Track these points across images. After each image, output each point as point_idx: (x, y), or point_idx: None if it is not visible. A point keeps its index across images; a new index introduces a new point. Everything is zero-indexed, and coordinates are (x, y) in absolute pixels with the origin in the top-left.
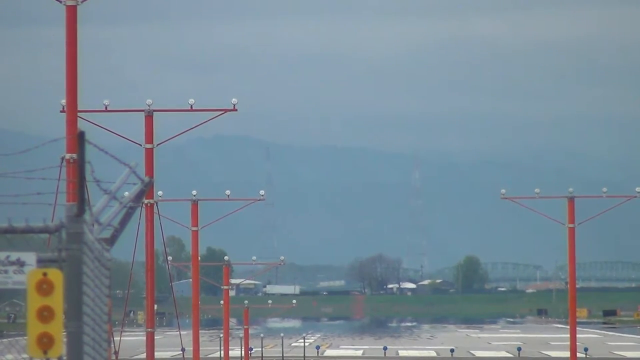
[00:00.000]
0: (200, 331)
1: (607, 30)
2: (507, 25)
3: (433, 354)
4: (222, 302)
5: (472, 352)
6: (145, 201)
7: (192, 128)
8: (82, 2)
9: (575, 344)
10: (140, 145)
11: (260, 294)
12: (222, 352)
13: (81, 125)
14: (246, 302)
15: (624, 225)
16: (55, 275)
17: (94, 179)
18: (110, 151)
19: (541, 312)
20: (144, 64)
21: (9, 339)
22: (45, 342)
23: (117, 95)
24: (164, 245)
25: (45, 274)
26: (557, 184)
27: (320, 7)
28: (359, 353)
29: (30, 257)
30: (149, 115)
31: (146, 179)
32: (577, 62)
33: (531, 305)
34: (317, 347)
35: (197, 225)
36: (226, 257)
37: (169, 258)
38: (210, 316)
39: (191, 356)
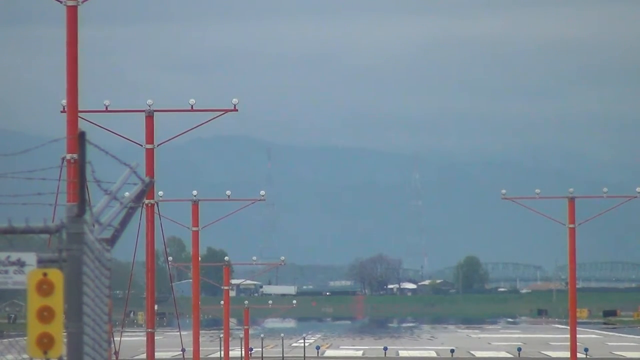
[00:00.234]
0: (200, 331)
1: (607, 30)
2: (508, 25)
3: (433, 354)
4: (222, 302)
5: (472, 352)
6: (146, 201)
7: (192, 128)
8: (82, 2)
9: (576, 344)
10: (141, 145)
11: (256, 295)
12: (222, 352)
13: (82, 125)
14: (246, 302)
15: (624, 225)
16: (56, 276)
17: (94, 179)
18: (111, 151)
19: (541, 313)
20: (144, 65)
21: (9, 339)
22: (46, 343)
23: (117, 95)
24: (165, 245)
25: (45, 274)
26: (557, 184)
27: (320, 7)
28: (359, 353)
29: (30, 258)
30: (150, 116)
31: (147, 179)
32: (577, 62)
33: (531, 305)
34: (317, 348)
35: (197, 226)
36: (226, 258)
37: (170, 258)
38: (210, 316)
39: (191, 356)
